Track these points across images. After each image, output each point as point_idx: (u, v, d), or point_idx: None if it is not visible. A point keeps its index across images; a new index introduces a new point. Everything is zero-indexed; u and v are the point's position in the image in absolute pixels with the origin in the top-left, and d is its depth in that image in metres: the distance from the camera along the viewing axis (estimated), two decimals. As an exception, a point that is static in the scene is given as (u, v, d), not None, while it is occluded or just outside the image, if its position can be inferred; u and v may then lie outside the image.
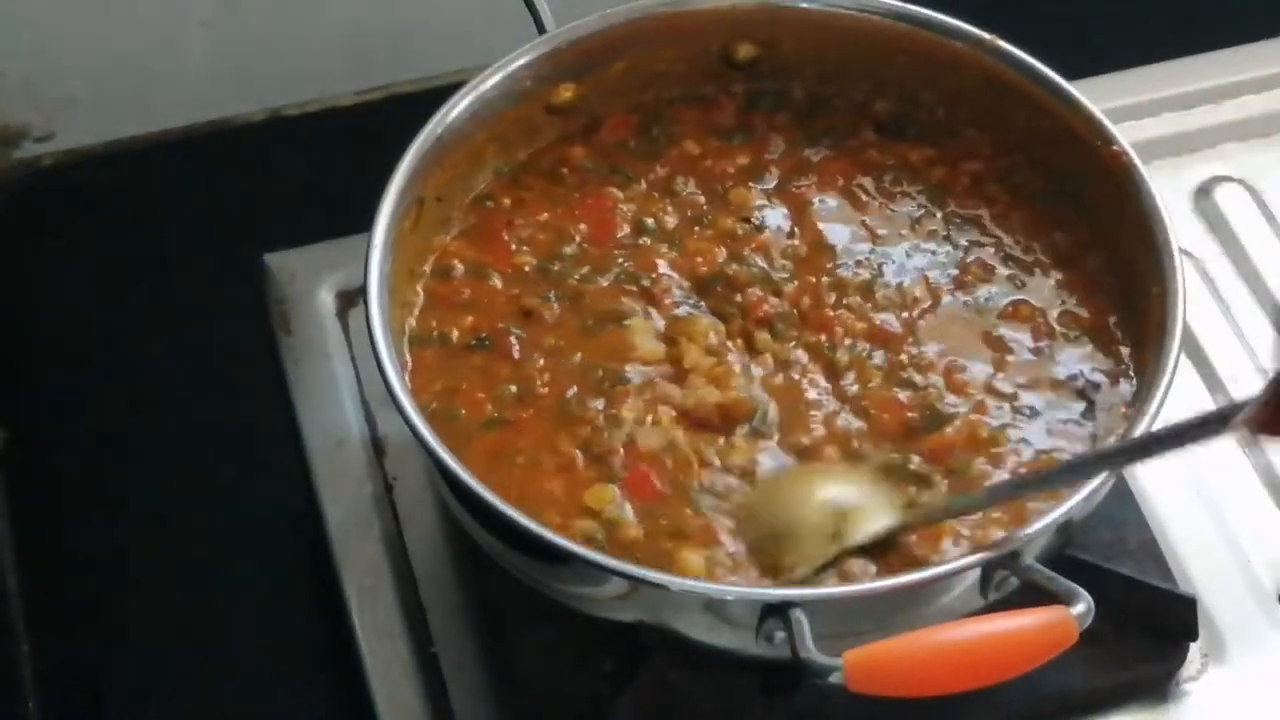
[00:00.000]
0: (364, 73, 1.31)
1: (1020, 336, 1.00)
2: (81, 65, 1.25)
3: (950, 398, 0.97)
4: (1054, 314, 1.01)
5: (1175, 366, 0.92)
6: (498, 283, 1.02)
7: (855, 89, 1.10)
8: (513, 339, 0.99)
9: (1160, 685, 1.00)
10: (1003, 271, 1.03)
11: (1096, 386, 0.97)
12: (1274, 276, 1.15)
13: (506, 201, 1.05)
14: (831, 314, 1.00)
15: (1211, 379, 1.11)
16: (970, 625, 0.84)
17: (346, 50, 1.29)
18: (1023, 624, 0.83)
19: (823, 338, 0.99)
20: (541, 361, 0.99)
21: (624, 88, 1.08)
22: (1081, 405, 0.97)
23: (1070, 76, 1.04)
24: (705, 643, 0.91)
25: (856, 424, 0.96)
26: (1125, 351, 0.99)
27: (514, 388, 0.98)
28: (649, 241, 1.04)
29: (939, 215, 1.05)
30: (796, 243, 1.04)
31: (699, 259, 1.03)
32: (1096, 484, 0.89)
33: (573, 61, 1.06)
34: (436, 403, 0.96)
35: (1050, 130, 1.04)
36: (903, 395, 0.97)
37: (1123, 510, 1.01)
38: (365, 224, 0.97)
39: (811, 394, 0.97)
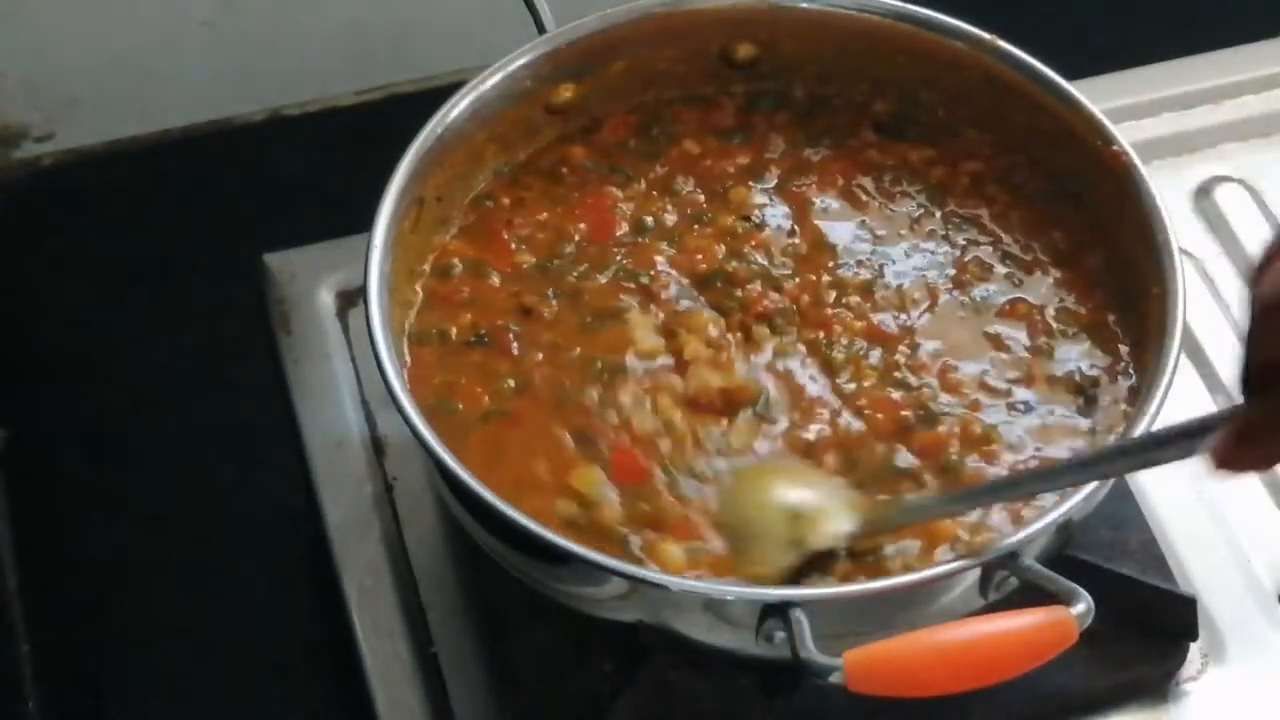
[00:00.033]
0: (364, 73, 1.31)
1: (1017, 334, 1.00)
2: (81, 65, 1.25)
3: (945, 397, 0.97)
4: (1051, 311, 1.01)
5: (1175, 367, 0.92)
6: (496, 281, 1.02)
7: (855, 89, 1.10)
8: (511, 336, 1.00)
9: (1160, 685, 1.00)
10: (1000, 270, 1.03)
11: (1095, 382, 0.97)
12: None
13: (506, 201, 1.06)
14: (831, 313, 1.00)
15: (1211, 379, 1.11)
16: (970, 625, 0.84)
17: (346, 50, 1.29)
18: (1023, 624, 0.83)
19: (821, 335, 0.99)
20: (540, 356, 0.99)
21: (624, 88, 1.08)
22: (1079, 401, 0.97)
23: (1070, 76, 1.04)
24: (705, 643, 0.91)
25: (853, 423, 0.96)
26: (1124, 350, 0.99)
27: (512, 382, 0.98)
28: (648, 240, 1.04)
29: (938, 215, 1.05)
30: (797, 241, 1.04)
31: (698, 256, 1.03)
32: (1092, 488, 0.89)
33: (573, 61, 1.06)
34: (434, 398, 0.97)
35: (1050, 130, 1.04)
36: (897, 394, 0.97)
37: (1123, 510, 1.01)
38: (365, 224, 0.97)
39: (810, 389, 0.98)
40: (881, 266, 1.02)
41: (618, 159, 1.07)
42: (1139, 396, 0.95)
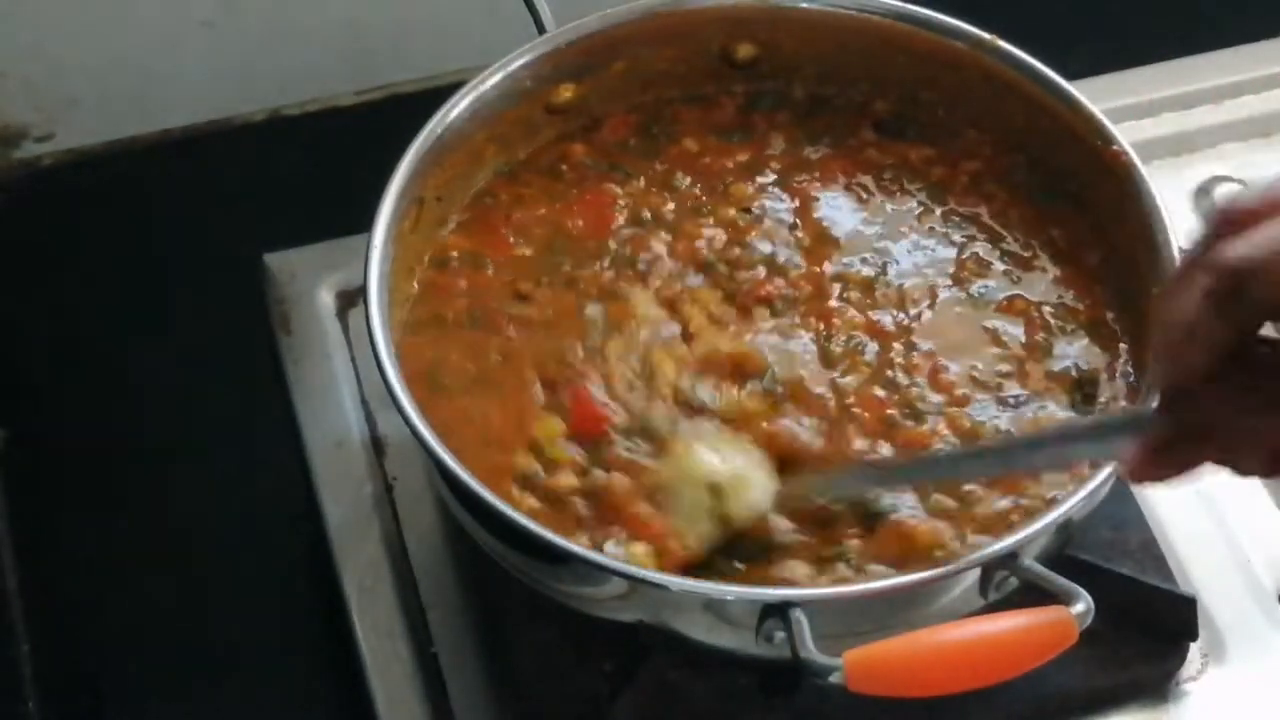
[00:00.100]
0: (364, 73, 1.31)
1: (1015, 330, 1.00)
2: (81, 65, 1.25)
3: (933, 395, 0.97)
4: (1050, 308, 1.01)
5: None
6: (493, 271, 1.02)
7: (855, 89, 1.10)
8: (506, 318, 1.00)
9: (1160, 685, 1.00)
10: (999, 266, 1.03)
11: (1093, 379, 0.97)
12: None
13: (505, 197, 1.06)
14: (833, 305, 1.00)
15: (1211, 379, 1.11)
16: (970, 625, 0.84)
17: (346, 50, 1.29)
18: (1023, 624, 0.83)
19: (821, 327, 0.99)
20: (534, 334, 0.99)
21: (624, 88, 1.09)
22: (1076, 398, 0.97)
23: (1070, 76, 1.04)
24: (705, 643, 0.91)
25: (840, 417, 0.96)
26: (1123, 347, 0.99)
27: (499, 355, 0.98)
28: (647, 231, 1.04)
29: (938, 212, 1.05)
30: (800, 234, 1.04)
31: (698, 243, 1.03)
32: (1097, 483, 0.89)
33: (573, 61, 1.06)
34: (422, 372, 0.97)
35: (1050, 130, 1.04)
36: (883, 393, 0.97)
37: (1123, 510, 1.01)
38: (365, 224, 0.97)
39: (805, 377, 0.97)
40: (884, 264, 1.02)
41: (617, 157, 1.08)
42: (1139, 395, 0.95)
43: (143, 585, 1.09)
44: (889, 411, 0.96)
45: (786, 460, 0.94)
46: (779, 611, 0.85)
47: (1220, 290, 0.66)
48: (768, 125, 1.09)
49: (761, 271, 1.01)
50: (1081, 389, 0.97)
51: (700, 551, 0.91)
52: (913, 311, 1.00)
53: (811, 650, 0.83)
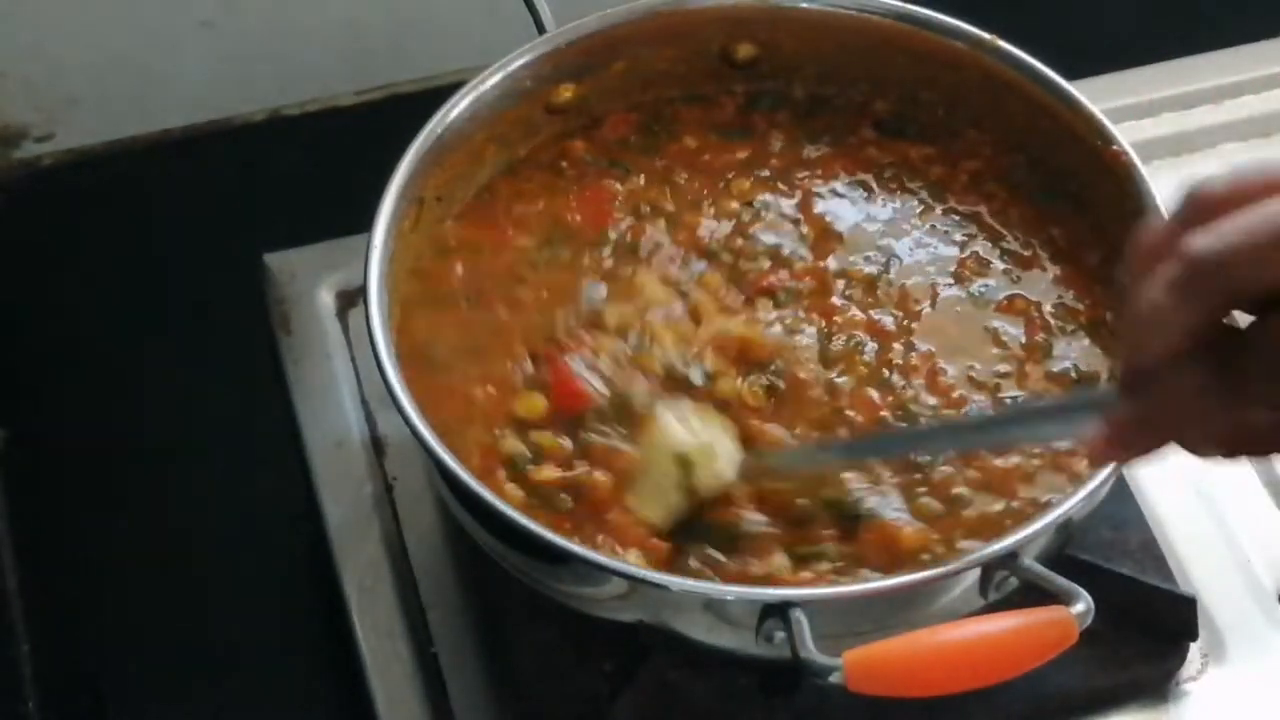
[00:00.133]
0: (364, 73, 1.31)
1: (1015, 330, 1.00)
2: (81, 65, 1.25)
3: (928, 398, 0.96)
4: (1049, 308, 1.01)
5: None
6: (491, 255, 1.02)
7: (855, 89, 1.10)
8: (501, 296, 1.00)
9: (1160, 685, 0.99)
10: (999, 266, 1.03)
11: (1093, 380, 0.97)
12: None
13: (504, 191, 1.06)
14: (835, 302, 1.00)
15: (1211, 379, 1.11)
16: (970, 625, 0.84)
17: (346, 50, 1.29)
18: (1023, 624, 0.83)
19: (823, 324, 0.99)
20: (528, 310, 1.00)
21: (624, 88, 1.08)
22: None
23: (1070, 76, 1.04)
24: (705, 643, 0.91)
25: (833, 418, 0.96)
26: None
27: (492, 330, 0.99)
28: (648, 221, 1.04)
29: (938, 210, 1.05)
30: (805, 229, 1.04)
31: (701, 232, 1.03)
32: (1097, 483, 0.89)
33: (573, 61, 1.06)
34: (413, 347, 0.97)
35: (1050, 130, 1.04)
36: (878, 395, 0.97)
37: (1123, 510, 1.01)
38: (365, 224, 0.97)
39: (803, 375, 0.97)
40: (887, 261, 1.02)
41: (617, 154, 1.08)
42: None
43: (143, 585, 1.09)
44: (882, 414, 0.96)
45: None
46: (779, 611, 0.85)
47: (1184, 280, 0.66)
48: (768, 124, 1.09)
49: (766, 263, 1.02)
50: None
51: (667, 525, 0.91)
52: (914, 309, 1.00)
53: (811, 650, 0.83)
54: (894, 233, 1.04)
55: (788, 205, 1.05)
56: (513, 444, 0.94)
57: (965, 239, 1.04)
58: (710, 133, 1.09)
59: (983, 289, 1.01)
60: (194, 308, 1.19)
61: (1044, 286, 1.02)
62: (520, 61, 1.05)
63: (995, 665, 0.83)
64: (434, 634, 1.01)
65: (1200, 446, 0.70)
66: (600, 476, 0.93)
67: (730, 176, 1.06)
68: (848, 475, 0.93)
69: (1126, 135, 1.01)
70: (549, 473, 0.93)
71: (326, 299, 1.14)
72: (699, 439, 0.93)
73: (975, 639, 0.83)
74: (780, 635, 0.85)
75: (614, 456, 0.93)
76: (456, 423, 0.94)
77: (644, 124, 1.09)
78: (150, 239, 1.23)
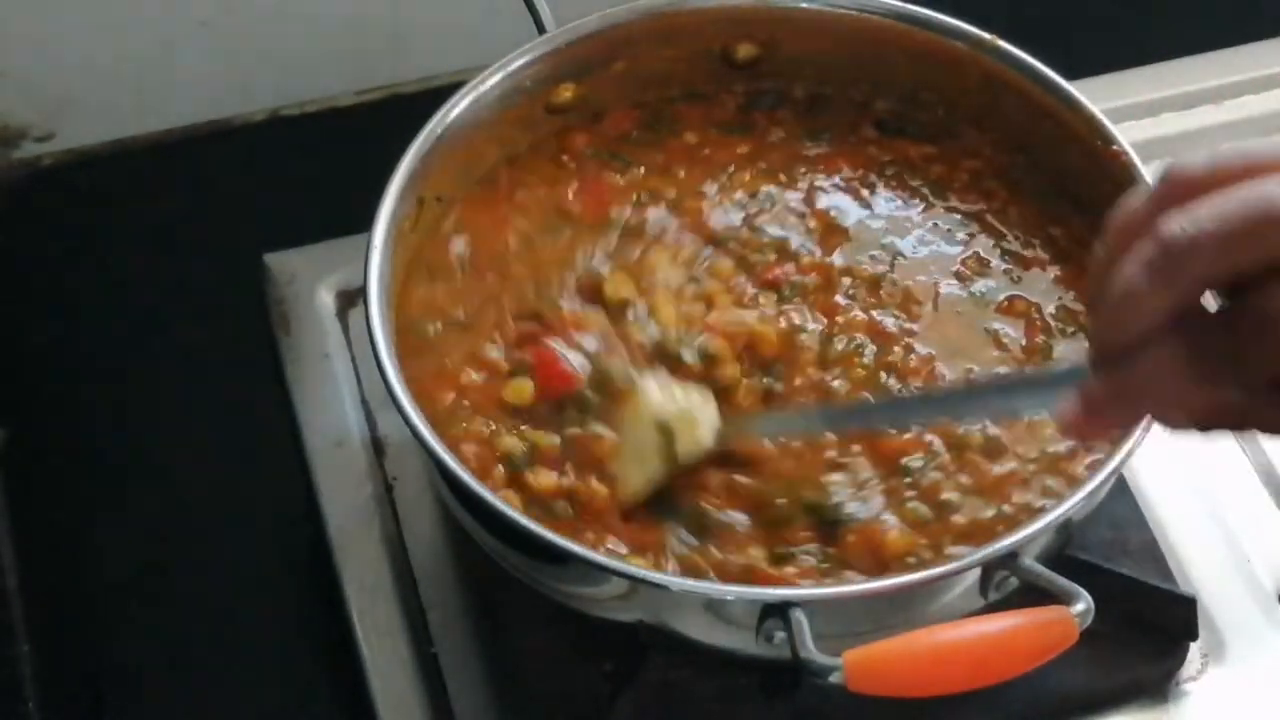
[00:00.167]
0: (364, 73, 1.31)
1: (1015, 331, 1.00)
2: (81, 65, 1.25)
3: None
4: (1050, 309, 1.01)
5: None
6: (490, 235, 1.03)
7: (855, 88, 1.10)
8: (494, 270, 1.01)
9: (1160, 685, 1.00)
10: (999, 266, 1.03)
11: None
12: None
13: (505, 180, 1.06)
14: (839, 301, 1.00)
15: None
16: (970, 625, 0.84)
17: (346, 50, 1.29)
18: (1023, 624, 0.83)
19: (825, 324, 0.99)
20: (523, 282, 1.00)
21: (624, 88, 1.09)
22: None
23: (1070, 76, 1.04)
24: (705, 643, 0.91)
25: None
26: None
27: (484, 299, 0.99)
28: (652, 207, 1.04)
29: (940, 208, 1.05)
30: (812, 224, 1.04)
31: (709, 220, 1.03)
32: (1097, 483, 0.89)
33: (573, 61, 1.06)
34: (411, 325, 0.98)
35: (1050, 130, 1.04)
36: (874, 399, 0.96)
37: (1123, 510, 1.01)
38: (365, 224, 0.97)
39: (797, 380, 0.97)
40: (892, 261, 1.02)
41: (618, 148, 1.07)
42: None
43: (143, 585, 1.09)
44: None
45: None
46: (779, 611, 0.85)
47: (1158, 263, 0.66)
48: (768, 122, 1.09)
49: (772, 255, 1.01)
50: None
51: (646, 493, 0.92)
52: (916, 311, 1.00)
53: (811, 650, 0.83)
54: (898, 230, 1.04)
55: (793, 198, 1.05)
56: (510, 441, 0.94)
57: (967, 238, 1.04)
58: (711, 129, 1.09)
59: (983, 290, 1.01)
60: (194, 307, 1.19)
61: (1044, 287, 1.02)
62: (520, 61, 1.05)
63: (995, 665, 0.83)
64: (434, 634, 1.01)
65: (1174, 421, 0.71)
66: (597, 485, 0.93)
67: (731, 170, 1.06)
68: (833, 478, 0.93)
69: (1126, 135, 1.01)
70: (546, 480, 0.93)
71: (326, 299, 1.14)
72: (678, 406, 0.93)
73: (975, 639, 0.83)
74: (780, 635, 0.85)
75: (596, 444, 0.93)
76: (447, 414, 0.95)
77: (645, 120, 1.09)
78: (150, 239, 1.23)
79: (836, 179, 1.06)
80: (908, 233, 1.04)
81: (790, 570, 0.90)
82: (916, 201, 1.05)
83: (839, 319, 0.99)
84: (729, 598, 0.88)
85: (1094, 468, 0.91)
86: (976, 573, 0.88)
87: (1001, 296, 1.01)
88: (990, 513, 0.92)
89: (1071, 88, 1.03)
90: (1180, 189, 0.68)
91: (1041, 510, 0.91)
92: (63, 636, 1.07)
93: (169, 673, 1.05)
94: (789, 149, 1.08)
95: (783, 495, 0.93)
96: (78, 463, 1.14)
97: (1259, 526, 1.06)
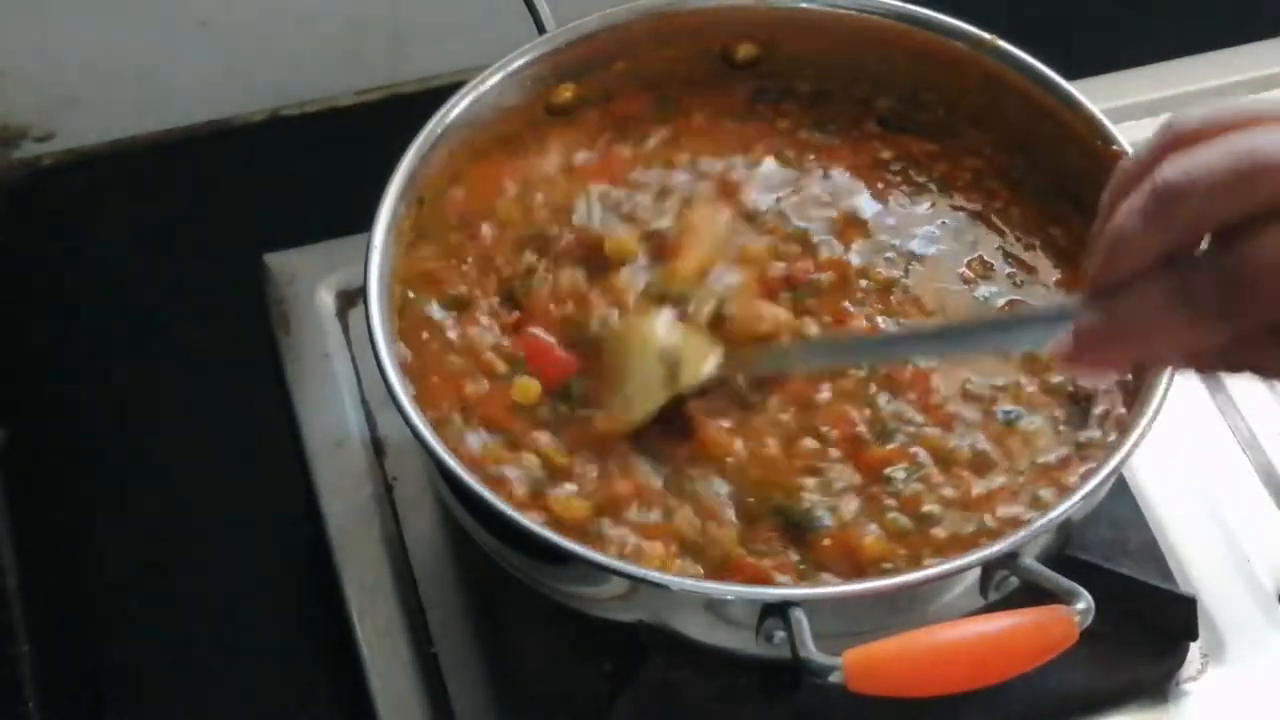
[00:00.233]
0: (364, 73, 1.31)
1: None
2: (81, 65, 1.25)
3: (913, 414, 0.96)
4: None
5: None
6: (490, 193, 1.04)
7: (855, 88, 1.10)
8: (490, 220, 1.02)
9: (1160, 685, 0.99)
10: (1003, 269, 1.02)
11: (1090, 395, 0.97)
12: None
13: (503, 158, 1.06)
14: (849, 307, 0.99)
15: (1211, 378, 1.11)
16: (970, 625, 0.84)
17: (346, 50, 1.29)
18: (1023, 624, 0.83)
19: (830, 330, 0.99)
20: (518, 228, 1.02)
21: (624, 88, 1.08)
22: (1073, 410, 0.96)
23: (1070, 76, 1.04)
24: (705, 643, 0.91)
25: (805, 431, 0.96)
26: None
27: (472, 259, 0.99)
28: (661, 194, 1.04)
29: (946, 206, 1.05)
30: (834, 214, 1.03)
31: (733, 198, 1.03)
32: (1097, 483, 0.89)
33: (573, 61, 1.06)
34: (410, 293, 0.99)
35: (1050, 130, 1.04)
36: (855, 412, 0.96)
37: (1123, 510, 1.01)
38: (365, 224, 0.97)
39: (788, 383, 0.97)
40: (907, 266, 1.01)
41: (627, 125, 1.07)
42: (1138, 394, 0.95)
43: (143, 585, 1.09)
44: (858, 429, 0.95)
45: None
46: (779, 611, 0.85)
47: (1150, 205, 0.69)
48: (775, 114, 1.09)
49: (796, 248, 1.01)
50: (1077, 402, 0.97)
51: (643, 421, 0.93)
52: (922, 319, 0.99)
53: (811, 650, 0.83)
54: (911, 224, 1.03)
55: (812, 187, 1.04)
56: (530, 462, 0.94)
57: (973, 239, 1.03)
58: (720, 116, 1.08)
59: (987, 294, 1.01)
60: (194, 307, 1.19)
61: (1045, 291, 1.01)
62: (520, 61, 1.05)
63: (995, 665, 0.83)
64: (434, 634, 1.01)
65: (1167, 359, 0.75)
66: (621, 484, 0.93)
67: (748, 154, 1.06)
68: (805, 481, 0.93)
69: (1126, 135, 1.01)
70: (578, 507, 0.93)
71: (326, 299, 1.14)
72: (682, 334, 0.95)
73: (975, 639, 0.83)
74: (780, 635, 0.85)
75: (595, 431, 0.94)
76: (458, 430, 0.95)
77: (654, 104, 1.08)
78: (150, 239, 1.23)
79: (848, 172, 1.06)
80: (918, 230, 1.03)
81: (767, 563, 0.90)
82: (924, 198, 1.05)
83: (846, 325, 0.99)
84: (729, 598, 0.88)
85: (1087, 476, 0.90)
86: (976, 573, 0.88)
87: (1003, 301, 1.01)
88: (971, 527, 0.92)
89: (1071, 88, 1.03)
90: (1178, 140, 0.71)
91: (1028, 523, 0.90)
92: (63, 636, 1.07)
93: (169, 673, 1.05)
94: (797, 138, 1.07)
95: (752, 495, 0.93)
96: (78, 463, 1.14)
97: (1259, 526, 1.06)
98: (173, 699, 1.04)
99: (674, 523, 0.91)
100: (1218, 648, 1.01)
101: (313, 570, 1.05)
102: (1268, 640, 1.02)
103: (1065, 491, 0.92)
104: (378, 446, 1.08)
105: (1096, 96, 1.03)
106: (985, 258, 1.03)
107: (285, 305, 1.14)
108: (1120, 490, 1.02)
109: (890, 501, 0.93)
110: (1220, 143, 0.69)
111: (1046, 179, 1.05)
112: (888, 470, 0.94)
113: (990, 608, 0.89)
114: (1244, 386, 1.11)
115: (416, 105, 1.03)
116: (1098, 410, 0.96)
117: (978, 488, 0.93)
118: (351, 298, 1.13)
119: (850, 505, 0.92)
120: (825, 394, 0.96)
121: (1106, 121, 1.01)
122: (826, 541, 0.91)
